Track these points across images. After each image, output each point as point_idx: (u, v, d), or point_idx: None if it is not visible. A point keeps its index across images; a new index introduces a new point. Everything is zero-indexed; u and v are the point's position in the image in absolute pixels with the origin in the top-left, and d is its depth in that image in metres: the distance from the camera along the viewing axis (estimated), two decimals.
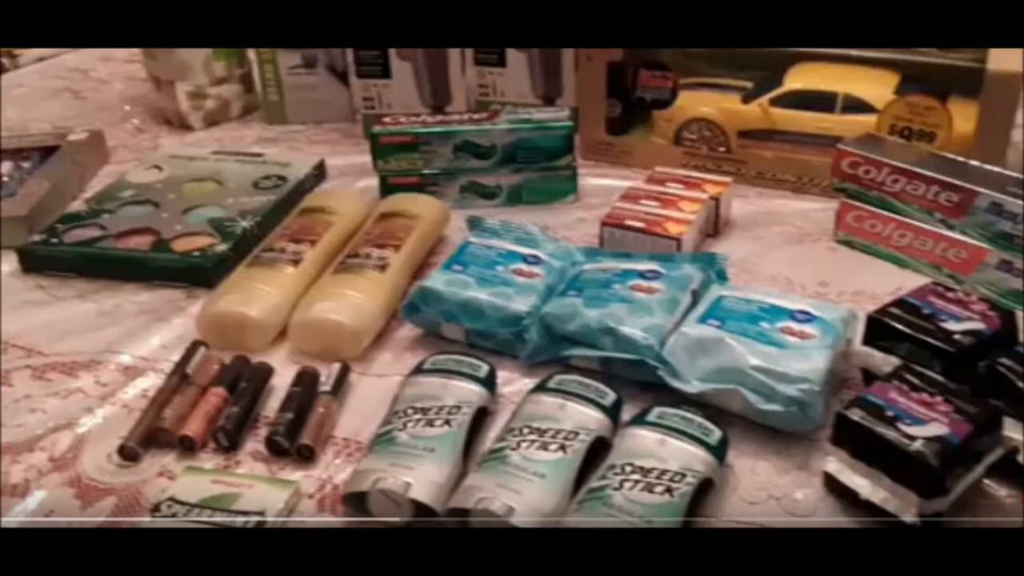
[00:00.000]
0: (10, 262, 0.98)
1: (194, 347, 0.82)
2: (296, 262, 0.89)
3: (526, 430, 0.68)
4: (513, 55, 1.19)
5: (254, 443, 0.74)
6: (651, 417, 0.69)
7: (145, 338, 0.86)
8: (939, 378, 0.68)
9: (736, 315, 0.77)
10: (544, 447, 0.66)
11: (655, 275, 0.82)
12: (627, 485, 0.63)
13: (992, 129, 0.96)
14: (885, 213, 0.93)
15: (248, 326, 0.83)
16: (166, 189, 1.07)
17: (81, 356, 0.84)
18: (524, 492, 0.63)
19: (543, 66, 1.20)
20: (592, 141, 1.15)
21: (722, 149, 1.10)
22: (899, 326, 0.73)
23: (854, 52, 1.04)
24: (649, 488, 0.63)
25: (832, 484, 0.67)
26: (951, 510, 0.63)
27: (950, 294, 0.77)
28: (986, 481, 0.67)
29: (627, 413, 0.72)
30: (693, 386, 0.73)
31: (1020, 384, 0.67)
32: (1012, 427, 0.66)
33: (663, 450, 0.66)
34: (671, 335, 0.77)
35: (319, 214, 0.97)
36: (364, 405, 0.77)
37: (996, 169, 0.89)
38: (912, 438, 0.62)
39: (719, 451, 0.67)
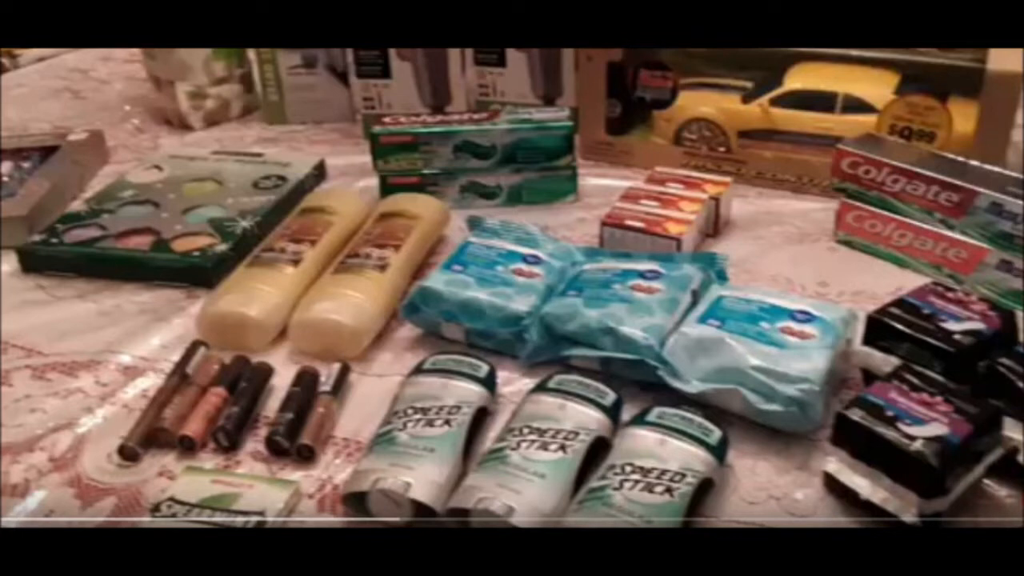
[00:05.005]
0: (10, 262, 0.98)
1: (194, 347, 0.82)
2: (296, 262, 0.89)
3: (526, 430, 0.68)
4: (513, 55, 1.19)
5: (254, 443, 0.74)
6: (651, 417, 0.69)
7: (145, 338, 0.86)
8: (939, 378, 0.68)
9: (736, 315, 0.77)
10: (544, 447, 0.66)
11: (655, 275, 0.82)
12: (627, 485, 0.63)
13: (992, 129, 0.96)
14: (885, 213, 0.93)
15: (248, 326, 0.83)
16: (166, 189, 1.07)
17: (81, 356, 0.84)
18: (524, 492, 0.63)
19: (543, 66, 1.20)
20: (592, 141, 1.15)
21: (722, 149, 1.10)
22: (899, 326, 0.73)
23: (854, 52, 1.04)
24: (649, 488, 0.63)
25: (832, 484, 0.67)
26: (951, 510, 0.63)
27: (950, 294, 0.77)
28: (986, 481, 0.67)
29: (627, 413, 0.72)
30: (693, 386, 0.73)
31: (1020, 384, 0.67)
32: (1012, 427, 0.66)
33: (663, 450, 0.66)
34: (671, 335, 0.77)
35: (319, 214, 0.97)
36: (364, 405, 0.77)
37: (996, 169, 0.89)
38: (912, 438, 0.62)
39: (719, 451, 0.67)
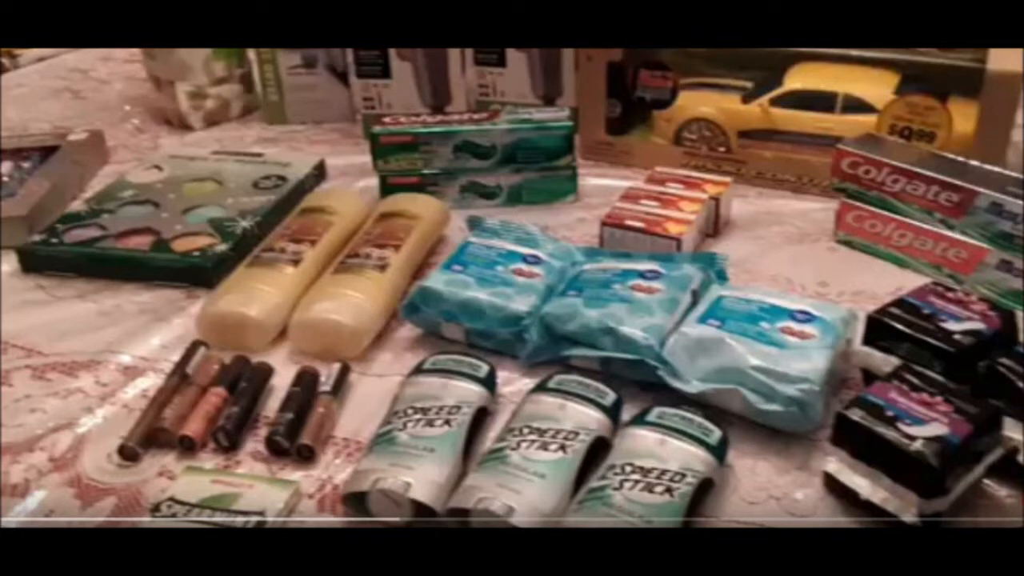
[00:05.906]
0: (10, 262, 0.98)
1: (194, 347, 0.82)
2: (296, 262, 0.89)
3: (526, 430, 0.68)
4: (513, 55, 1.19)
5: (254, 443, 0.74)
6: (651, 417, 0.69)
7: (145, 338, 0.86)
8: (939, 378, 0.68)
9: (736, 315, 0.77)
10: (544, 447, 0.66)
11: (655, 275, 0.82)
12: (627, 485, 0.63)
13: (992, 129, 0.96)
14: (885, 213, 0.93)
15: (248, 326, 0.83)
16: (166, 189, 1.07)
17: (81, 356, 0.84)
18: (524, 492, 0.63)
19: (543, 66, 1.20)
20: (592, 141, 1.15)
21: (722, 149, 1.10)
22: (899, 326, 0.73)
23: (854, 52, 1.04)
24: (649, 488, 0.63)
25: (832, 484, 0.67)
26: (951, 510, 0.63)
27: (950, 294, 0.77)
28: (986, 481, 0.67)
29: (627, 413, 0.72)
30: (693, 386, 0.73)
31: (1020, 384, 0.67)
32: (1012, 427, 0.67)
33: (663, 450, 0.66)
34: (671, 335, 0.77)
35: (319, 214, 0.97)
36: (364, 405, 0.77)
37: (996, 169, 0.89)
38: (912, 438, 0.62)
39: (719, 451, 0.67)
